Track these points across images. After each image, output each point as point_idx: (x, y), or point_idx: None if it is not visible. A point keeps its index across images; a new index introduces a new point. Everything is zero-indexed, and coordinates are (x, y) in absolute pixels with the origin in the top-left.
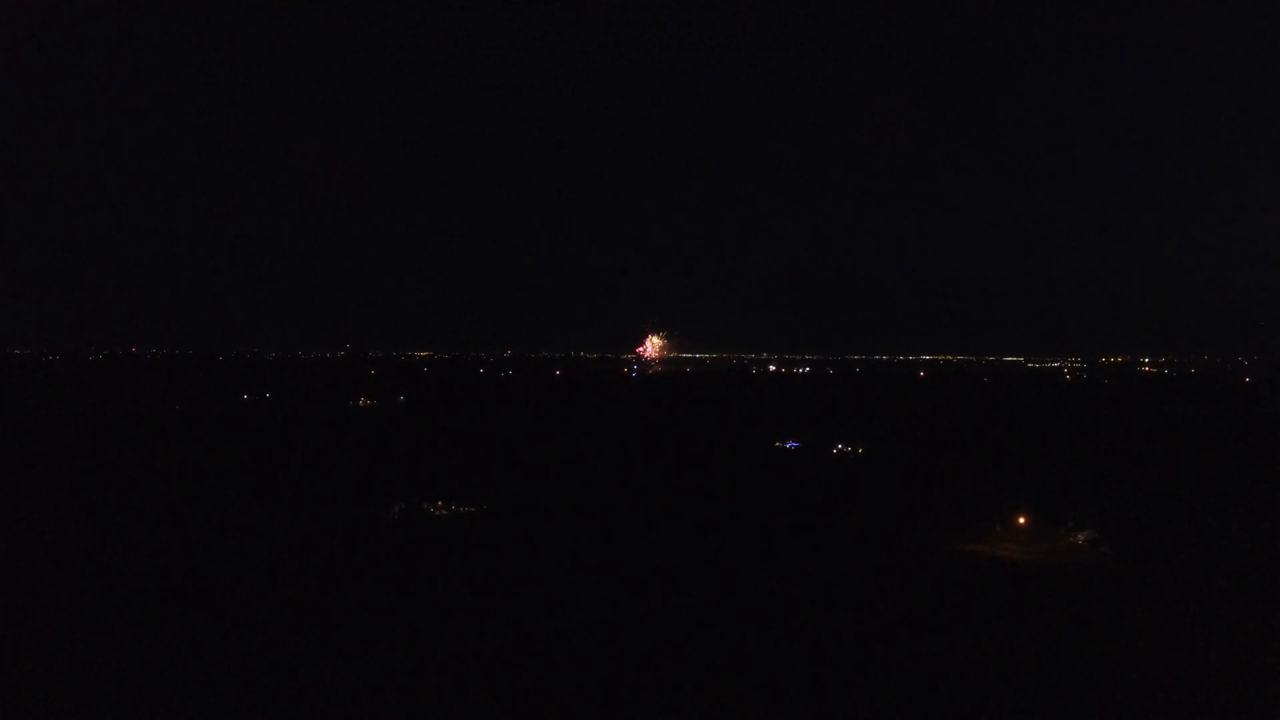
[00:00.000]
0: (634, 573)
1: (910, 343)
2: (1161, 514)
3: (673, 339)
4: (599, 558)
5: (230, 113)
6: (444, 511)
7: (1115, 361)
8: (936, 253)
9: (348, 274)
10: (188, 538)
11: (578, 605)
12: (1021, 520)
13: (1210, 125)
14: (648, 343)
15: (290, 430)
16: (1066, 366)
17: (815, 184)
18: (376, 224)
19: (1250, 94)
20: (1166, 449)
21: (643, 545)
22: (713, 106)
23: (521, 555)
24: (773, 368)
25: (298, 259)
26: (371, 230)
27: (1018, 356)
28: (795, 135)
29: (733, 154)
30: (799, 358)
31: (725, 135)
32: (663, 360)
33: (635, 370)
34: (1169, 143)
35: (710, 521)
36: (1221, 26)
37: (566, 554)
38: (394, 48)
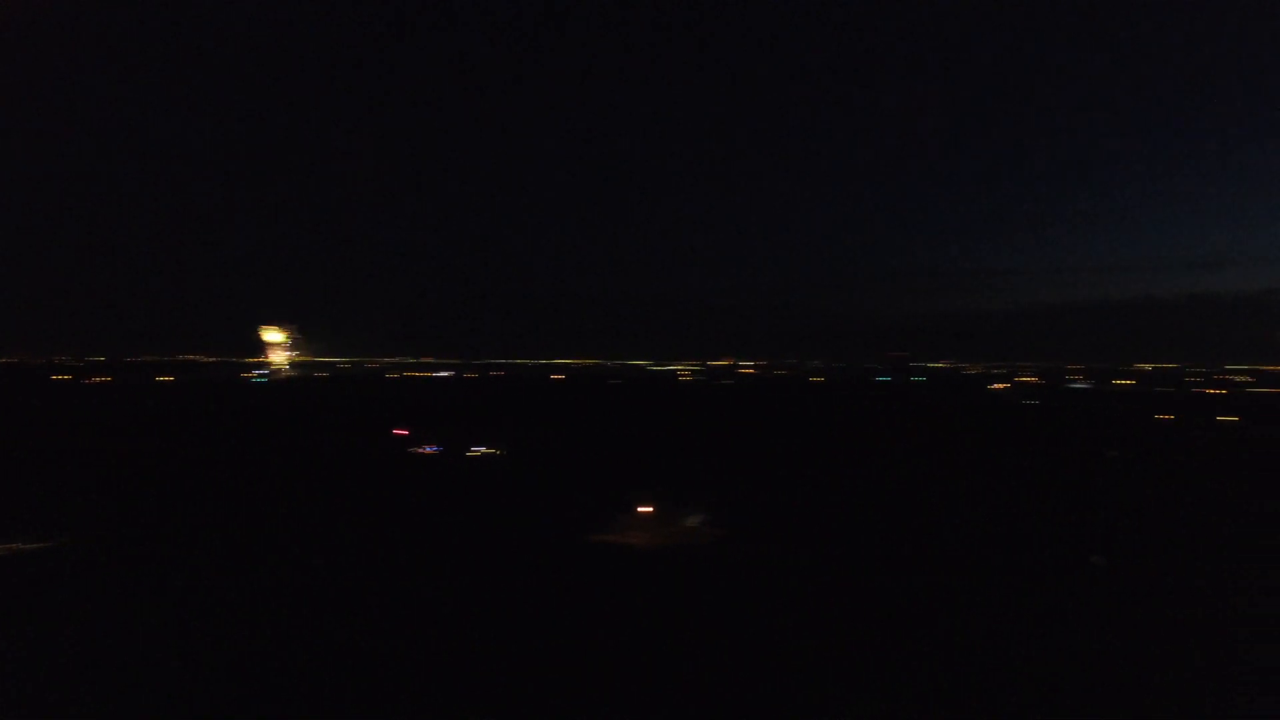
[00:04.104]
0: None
1: (548, 346)
2: (769, 497)
3: (304, 342)
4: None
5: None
6: None
7: (723, 364)
8: (571, 261)
9: None
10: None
11: None
12: (647, 510)
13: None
14: (271, 344)
15: None
16: (685, 369)
17: (453, 183)
18: None
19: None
20: (774, 440)
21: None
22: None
23: None
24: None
25: None
26: None
27: (644, 360)
28: (418, 136)
29: (351, 149)
30: (442, 361)
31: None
32: (295, 365)
33: (264, 376)
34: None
35: (367, 523)
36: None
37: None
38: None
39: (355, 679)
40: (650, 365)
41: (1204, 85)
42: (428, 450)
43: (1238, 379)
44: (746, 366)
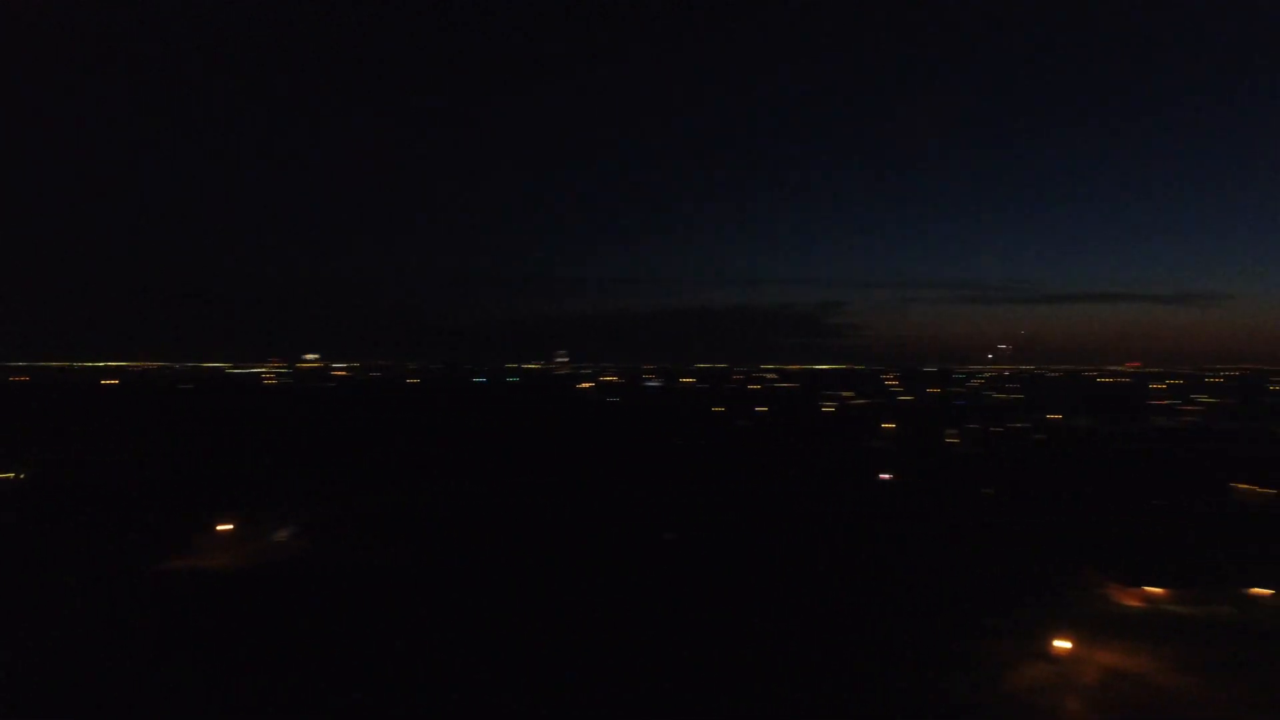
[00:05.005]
0: None
1: (99, 347)
2: (361, 500)
3: None
4: None
5: None
6: None
7: (313, 365)
8: (129, 247)
9: None
10: None
11: None
12: (226, 528)
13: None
14: None
15: None
16: (270, 372)
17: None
18: None
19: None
20: (370, 443)
21: None
22: None
23: None
24: None
25: None
26: None
27: (221, 362)
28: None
29: None
30: None
31: None
32: None
33: None
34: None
35: None
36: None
37: None
38: None
39: None
40: (229, 368)
41: (760, 138)
42: None
43: (769, 376)
44: (339, 369)
